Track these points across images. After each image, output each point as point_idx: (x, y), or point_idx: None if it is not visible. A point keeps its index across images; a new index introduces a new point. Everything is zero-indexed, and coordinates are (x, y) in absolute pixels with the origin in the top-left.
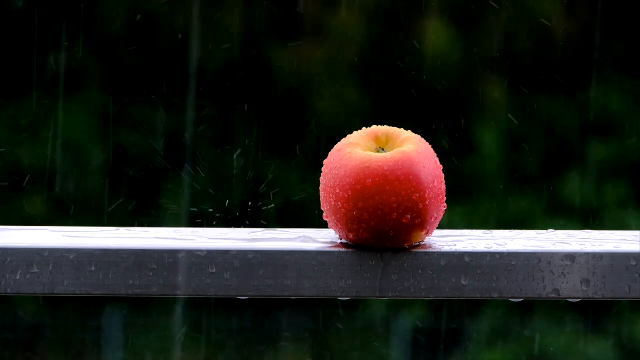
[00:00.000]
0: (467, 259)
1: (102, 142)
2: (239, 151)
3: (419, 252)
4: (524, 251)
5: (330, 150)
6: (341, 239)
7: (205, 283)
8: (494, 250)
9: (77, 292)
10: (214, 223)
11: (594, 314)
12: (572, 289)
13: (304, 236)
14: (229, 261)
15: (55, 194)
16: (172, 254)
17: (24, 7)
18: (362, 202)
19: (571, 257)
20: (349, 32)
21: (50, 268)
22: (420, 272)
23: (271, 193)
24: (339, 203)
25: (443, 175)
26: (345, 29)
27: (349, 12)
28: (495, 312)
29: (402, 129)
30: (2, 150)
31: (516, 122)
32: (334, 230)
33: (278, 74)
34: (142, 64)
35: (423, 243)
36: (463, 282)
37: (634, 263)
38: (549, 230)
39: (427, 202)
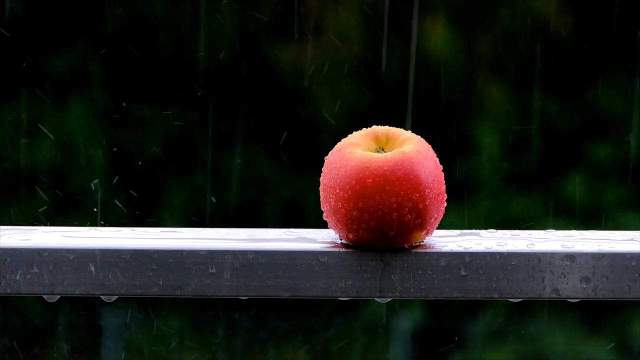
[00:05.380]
0: (467, 259)
1: (102, 141)
2: (238, 150)
3: (419, 252)
4: (524, 251)
5: (330, 150)
6: (341, 239)
7: (205, 283)
8: (494, 250)
9: (77, 292)
10: (214, 223)
11: (594, 314)
12: (572, 289)
13: (304, 236)
14: (229, 261)
15: (56, 194)
16: (172, 254)
17: (24, 6)
18: (362, 202)
19: (571, 257)
20: (348, 32)
21: (50, 268)
22: (420, 272)
23: (271, 192)
24: (339, 203)
25: (443, 175)
26: (345, 28)
27: (349, 11)
28: (495, 312)
29: (402, 129)
30: (2, 149)
31: (516, 122)
32: (334, 230)
33: (278, 73)
34: (142, 62)
35: (423, 243)
36: (463, 283)
37: (634, 263)
38: (549, 230)
39: (427, 202)
